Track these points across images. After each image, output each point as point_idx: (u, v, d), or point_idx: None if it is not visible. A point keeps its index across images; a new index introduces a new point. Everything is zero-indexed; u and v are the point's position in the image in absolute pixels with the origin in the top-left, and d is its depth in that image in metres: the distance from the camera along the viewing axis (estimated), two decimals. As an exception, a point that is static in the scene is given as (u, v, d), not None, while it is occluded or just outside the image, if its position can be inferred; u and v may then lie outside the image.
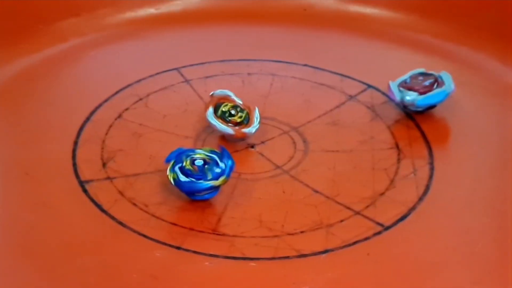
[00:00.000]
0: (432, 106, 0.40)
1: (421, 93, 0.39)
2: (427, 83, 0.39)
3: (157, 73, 0.42)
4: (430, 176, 0.37)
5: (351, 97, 0.42)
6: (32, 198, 0.34)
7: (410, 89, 0.39)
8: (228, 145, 0.38)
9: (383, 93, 0.42)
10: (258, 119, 0.38)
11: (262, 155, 0.38)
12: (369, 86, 0.43)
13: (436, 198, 0.35)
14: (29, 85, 0.40)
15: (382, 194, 0.36)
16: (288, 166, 0.38)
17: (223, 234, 0.33)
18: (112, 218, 0.33)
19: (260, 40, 0.46)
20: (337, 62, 0.44)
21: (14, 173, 0.35)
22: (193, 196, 0.34)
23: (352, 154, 0.38)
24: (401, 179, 0.37)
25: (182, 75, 0.43)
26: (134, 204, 0.34)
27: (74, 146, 0.37)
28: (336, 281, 0.30)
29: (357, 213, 0.35)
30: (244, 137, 0.38)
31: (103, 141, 0.37)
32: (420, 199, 0.35)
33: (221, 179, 0.34)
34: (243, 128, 0.38)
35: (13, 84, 0.40)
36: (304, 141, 0.39)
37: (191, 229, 0.33)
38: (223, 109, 0.38)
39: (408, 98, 0.39)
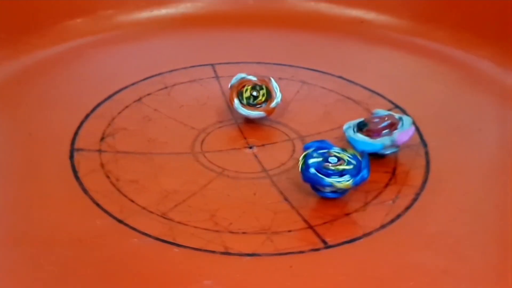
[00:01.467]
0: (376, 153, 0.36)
1: (372, 136, 0.36)
2: (385, 124, 0.37)
3: (192, 66, 0.45)
4: (408, 207, 0.35)
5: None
6: (24, 156, 0.37)
7: (368, 130, 0.37)
8: (227, 143, 0.39)
9: (408, 115, 0.40)
10: (278, 88, 0.40)
11: (256, 157, 0.39)
12: (396, 106, 0.42)
13: (398, 230, 0.33)
14: (56, 69, 0.43)
15: (347, 214, 0.34)
16: (274, 172, 0.37)
17: (170, 219, 0.34)
18: (80, 184, 0.35)
19: (300, 47, 0.46)
20: (372, 78, 0.43)
21: (18, 134, 0.39)
22: (317, 191, 0.34)
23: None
24: (376, 204, 0.35)
25: (215, 71, 0.45)
26: (107, 177, 0.36)
27: (85, 118, 0.40)
28: (237, 281, 0.30)
29: (310, 227, 0.34)
30: (273, 112, 0.40)
31: (113, 119, 0.40)
32: (382, 227, 0.34)
33: (344, 183, 0.33)
34: (270, 103, 0.39)
35: (37, 70, 0.43)
36: (305, 151, 0.39)
37: (144, 208, 0.34)
38: (246, 96, 0.40)
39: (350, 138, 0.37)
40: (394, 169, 0.37)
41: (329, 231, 0.33)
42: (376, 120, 0.37)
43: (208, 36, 0.47)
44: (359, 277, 0.31)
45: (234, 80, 0.40)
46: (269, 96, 0.40)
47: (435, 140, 0.39)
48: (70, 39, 0.45)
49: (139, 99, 0.42)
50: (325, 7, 0.48)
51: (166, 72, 0.44)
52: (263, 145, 0.39)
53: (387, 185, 0.36)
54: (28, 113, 0.40)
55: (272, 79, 0.40)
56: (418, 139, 0.39)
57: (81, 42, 0.45)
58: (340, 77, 0.44)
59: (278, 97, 0.40)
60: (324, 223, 0.34)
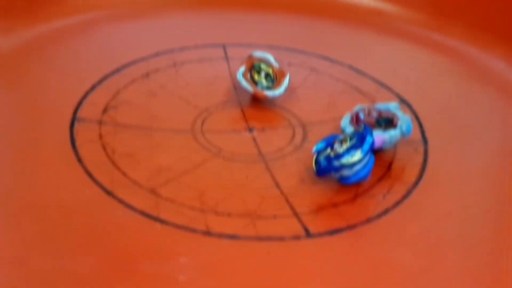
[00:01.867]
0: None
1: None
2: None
3: (203, 46, 0.45)
4: (397, 203, 0.34)
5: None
6: (26, 121, 0.38)
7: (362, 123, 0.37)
8: (228, 124, 0.39)
9: (413, 111, 0.40)
10: (285, 86, 0.40)
11: (254, 140, 0.39)
12: (402, 100, 0.41)
13: (383, 225, 0.33)
14: (69, 39, 0.43)
15: (335, 205, 0.34)
16: (270, 157, 0.37)
17: (158, 194, 0.34)
18: (76, 153, 0.36)
19: (313, 33, 0.46)
20: (382, 70, 0.43)
21: (24, 100, 0.40)
22: (345, 181, 0.34)
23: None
24: (366, 197, 0.35)
25: (225, 52, 0.45)
26: (104, 148, 0.36)
27: (91, 89, 0.41)
28: (213, 261, 0.30)
29: (295, 215, 0.34)
30: (265, 99, 0.40)
31: (118, 92, 0.41)
32: (368, 220, 0.33)
33: (354, 157, 0.33)
34: (267, 90, 0.40)
35: (51, 39, 0.43)
36: (304, 138, 0.39)
37: (135, 182, 0.35)
38: (256, 68, 0.40)
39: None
40: (390, 164, 0.37)
41: (313, 220, 0.33)
42: (374, 115, 0.37)
43: (221, 16, 0.47)
44: (334, 269, 0.30)
45: (258, 53, 0.41)
46: (272, 84, 0.40)
47: (436, 138, 0.39)
48: (86, 10, 0.45)
49: (147, 74, 0.42)
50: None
51: (177, 49, 0.44)
52: (263, 129, 0.39)
53: (380, 179, 0.36)
54: (36, 80, 0.41)
55: (288, 75, 0.40)
56: (419, 135, 0.39)
57: (96, 15, 0.45)
58: (350, 67, 0.44)
59: (280, 90, 0.40)
60: (310, 212, 0.34)
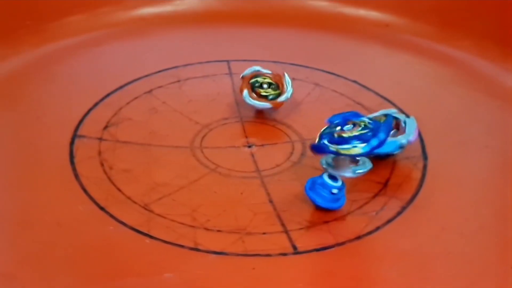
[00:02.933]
0: (384, 154, 0.36)
1: None
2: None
3: (207, 62, 0.45)
4: (390, 220, 0.34)
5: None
6: (27, 139, 0.39)
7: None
8: (227, 140, 0.39)
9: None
10: (290, 83, 0.40)
11: (252, 156, 0.39)
12: (408, 117, 0.41)
13: (372, 243, 0.32)
14: (74, 58, 0.44)
15: (326, 222, 0.34)
16: (267, 173, 0.37)
17: (150, 210, 0.34)
18: (73, 169, 0.37)
19: (318, 48, 0.46)
20: (387, 85, 0.43)
21: (27, 117, 0.40)
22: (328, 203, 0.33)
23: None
24: (359, 214, 0.34)
25: (229, 67, 0.45)
26: (102, 165, 0.37)
27: (93, 106, 0.41)
28: (197, 277, 0.30)
29: (286, 231, 0.33)
30: (281, 105, 0.40)
31: (120, 108, 0.41)
32: (357, 238, 0.33)
33: (350, 149, 0.31)
34: (280, 97, 0.40)
35: (57, 59, 0.44)
36: (302, 154, 0.39)
37: (129, 198, 0.35)
38: (257, 85, 0.40)
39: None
40: (388, 180, 0.37)
41: (302, 237, 0.33)
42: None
43: (225, 32, 0.47)
44: (318, 285, 0.30)
45: (247, 71, 0.41)
46: (279, 90, 0.40)
47: (437, 154, 0.38)
48: (91, 30, 0.46)
49: (150, 91, 0.43)
50: (349, 9, 0.48)
51: (181, 66, 0.45)
52: (262, 145, 0.39)
53: (375, 195, 0.36)
54: (40, 98, 0.41)
55: (286, 74, 0.41)
56: (419, 151, 0.39)
57: (100, 33, 0.46)
58: (354, 81, 0.44)
59: (288, 92, 0.40)
60: (300, 228, 0.34)
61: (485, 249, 0.32)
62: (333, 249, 0.32)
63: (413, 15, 0.47)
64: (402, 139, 0.36)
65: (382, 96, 0.43)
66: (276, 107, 0.41)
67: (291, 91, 0.41)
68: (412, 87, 0.43)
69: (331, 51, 0.46)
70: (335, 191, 0.33)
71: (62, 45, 0.45)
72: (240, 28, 0.48)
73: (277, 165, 0.38)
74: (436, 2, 0.46)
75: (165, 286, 0.30)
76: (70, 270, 0.31)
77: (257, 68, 0.41)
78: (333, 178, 0.33)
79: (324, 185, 0.33)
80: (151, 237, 0.33)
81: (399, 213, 0.34)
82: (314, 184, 0.33)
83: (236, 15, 0.48)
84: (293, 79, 0.43)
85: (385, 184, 0.36)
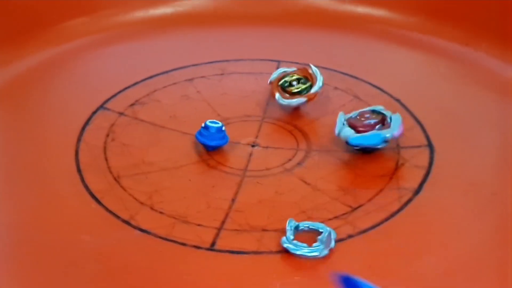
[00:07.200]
0: (369, 148, 0.37)
1: (358, 132, 0.36)
2: (371, 121, 0.37)
3: (259, 59, 0.45)
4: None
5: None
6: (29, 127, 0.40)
7: (352, 125, 0.37)
8: (236, 136, 0.39)
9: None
10: (318, 72, 0.40)
11: (250, 155, 0.38)
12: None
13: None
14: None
15: (265, 230, 0.33)
16: (252, 174, 0.37)
17: (117, 182, 0.36)
18: (80, 135, 0.39)
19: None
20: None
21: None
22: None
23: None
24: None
25: (278, 68, 0.44)
26: (107, 135, 0.39)
27: (131, 85, 0.43)
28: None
29: (219, 228, 0.33)
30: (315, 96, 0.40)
31: (155, 90, 0.42)
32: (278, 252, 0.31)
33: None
34: (313, 89, 0.40)
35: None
36: (299, 164, 0.37)
37: (108, 168, 0.36)
38: (284, 85, 0.40)
39: (342, 134, 0.37)
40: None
41: (229, 237, 0.32)
42: (367, 116, 0.37)
43: (276, 33, 0.47)
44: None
45: (273, 76, 0.41)
46: (309, 83, 0.40)
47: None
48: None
49: (191, 79, 0.43)
50: (349, 7, 0.47)
51: (232, 60, 0.45)
52: (266, 147, 0.39)
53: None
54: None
55: (311, 65, 0.40)
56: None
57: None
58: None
59: (319, 80, 0.40)
60: (236, 230, 0.33)
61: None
62: (248, 255, 0.31)
63: (402, 8, 0.46)
64: (386, 133, 0.37)
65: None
66: (311, 99, 0.40)
67: (321, 79, 0.40)
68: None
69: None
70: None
71: (84, 41, 0.46)
72: (292, 29, 0.47)
73: (267, 169, 0.37)
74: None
75: (82, 248, 0.32)
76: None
77: (282, 69, 0.41)
78: None
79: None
80: (100, 203, 0.35)
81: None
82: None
83: (234, 16, 0.47)
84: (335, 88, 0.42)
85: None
